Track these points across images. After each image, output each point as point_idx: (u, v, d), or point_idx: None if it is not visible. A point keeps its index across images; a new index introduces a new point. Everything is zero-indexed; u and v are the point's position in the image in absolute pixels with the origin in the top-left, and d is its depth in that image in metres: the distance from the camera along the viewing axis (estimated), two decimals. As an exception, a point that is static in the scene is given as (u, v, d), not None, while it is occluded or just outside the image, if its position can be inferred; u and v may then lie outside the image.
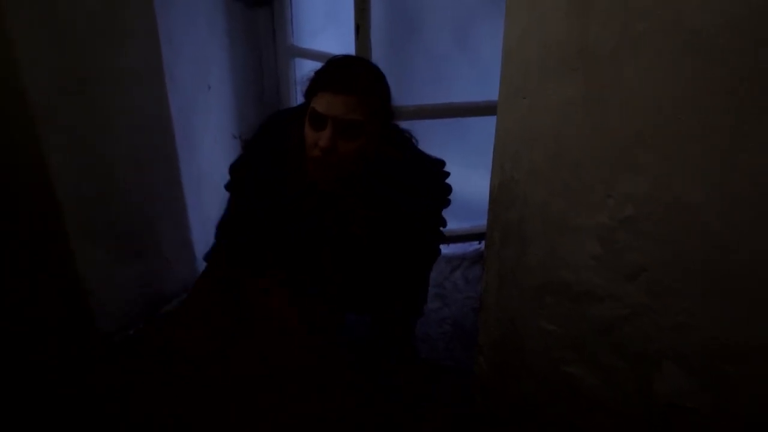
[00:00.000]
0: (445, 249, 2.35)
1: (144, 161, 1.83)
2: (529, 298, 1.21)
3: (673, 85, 0.92)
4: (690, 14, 0.86)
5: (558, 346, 1.21)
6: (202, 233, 2.12)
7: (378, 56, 1.99)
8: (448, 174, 1.59)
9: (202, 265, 1.77)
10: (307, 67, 2.84)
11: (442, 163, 1.60)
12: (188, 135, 2.04)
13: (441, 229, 1.66)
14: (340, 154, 1.31)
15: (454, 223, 2.37)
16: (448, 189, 1.59)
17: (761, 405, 0.99)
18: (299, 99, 1.53)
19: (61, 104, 1.49)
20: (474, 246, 2.39)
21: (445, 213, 2.37)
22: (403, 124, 2.24)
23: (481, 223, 2.34)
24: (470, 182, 2.40)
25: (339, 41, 2.69)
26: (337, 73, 1.34)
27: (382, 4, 1.91)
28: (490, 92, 2.19)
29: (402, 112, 2.16)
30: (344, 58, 1.42)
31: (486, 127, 2.30)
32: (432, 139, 2.39)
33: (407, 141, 1.56)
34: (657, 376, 1.11)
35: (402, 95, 2.21)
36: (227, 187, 1.56)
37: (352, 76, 1.33)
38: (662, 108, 0.94)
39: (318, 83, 1.33)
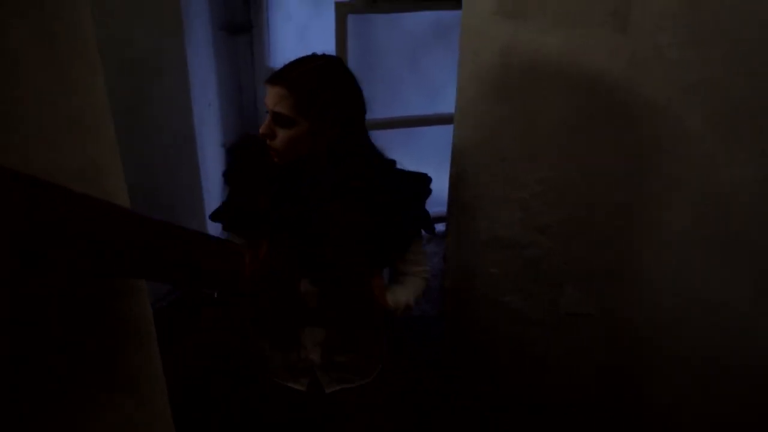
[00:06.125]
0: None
1: (173, 165, 2.31)
2: (478, 251, 1.79)
3: (555, 112, 1.53)
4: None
5: (498, 283, 1.80)
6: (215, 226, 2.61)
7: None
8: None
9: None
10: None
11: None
12: (201, 145, 2.52)
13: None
14: (279, 141, 1.38)
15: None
16: (428, 178, 1.58)
17: (634, 309, 1.62)
18: None
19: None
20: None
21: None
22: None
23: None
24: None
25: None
26: (282, 67, 1.40)
27: (354, 40, 2.46)
28: (436, 106, 2.79)
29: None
30: (304, 56, 1.44)
31: (429, 133, 2.89)
32: (388, 146, 2.95)
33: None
34: (561, 295, 1.72)
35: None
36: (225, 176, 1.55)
37: (287, 69, 1.39)
38: (548, 130, 1.55)
39: None
